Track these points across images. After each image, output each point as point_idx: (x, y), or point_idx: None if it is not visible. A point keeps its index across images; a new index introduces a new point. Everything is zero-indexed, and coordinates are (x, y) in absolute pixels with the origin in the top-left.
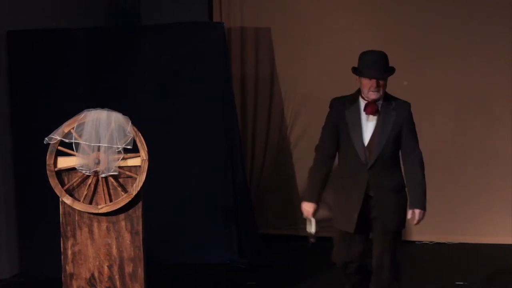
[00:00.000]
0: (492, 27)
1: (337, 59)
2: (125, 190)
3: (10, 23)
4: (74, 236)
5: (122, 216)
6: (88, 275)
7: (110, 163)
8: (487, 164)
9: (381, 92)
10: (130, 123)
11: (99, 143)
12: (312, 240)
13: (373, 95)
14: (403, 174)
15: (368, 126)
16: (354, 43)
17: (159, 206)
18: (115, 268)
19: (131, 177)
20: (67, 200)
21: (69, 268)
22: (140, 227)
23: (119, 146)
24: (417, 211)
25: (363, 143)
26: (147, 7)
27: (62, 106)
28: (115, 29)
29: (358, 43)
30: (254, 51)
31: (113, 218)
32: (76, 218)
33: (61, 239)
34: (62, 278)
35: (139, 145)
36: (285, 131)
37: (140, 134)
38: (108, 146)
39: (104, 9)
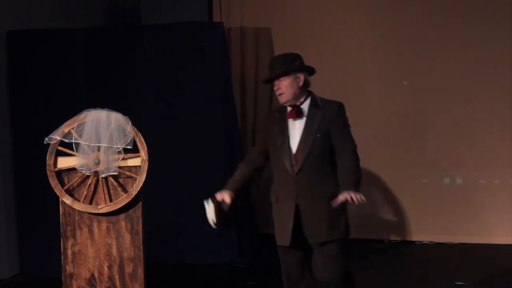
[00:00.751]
0: (493, 27)
1: (337, 59)
2: (125, 190)
3: (10, 23)
4: (74, 236)
5: (122, 216)
6: (88, 275)
7: (110, 163)
8: (488, 164)
9: (288, 95)
10: (130, 123)
11: (99, 143)
12: (214, 226)
13: (280, 99)
14: (337, 179)
15: (294, 132)
16: (354, 43)
17: (159, 206)
18: (115, 268)
19: (131, 177)
20: (67, 200)
21: (69, 268)
22: (140, 227)
23: (119, 146)
24: (344, 193)
25: (289, 151)
26: (147, 7)
27: (62, 106)
28: (115, 29)
29: (358, 43)
30: (254, 51)
31: (113, 218)
32: (76, 218)
33: (61, 239)
34: (62, 278)
35: (139, 145)
36: None
37: (140, 134)
38: (108, 146)
39: (104, 9)
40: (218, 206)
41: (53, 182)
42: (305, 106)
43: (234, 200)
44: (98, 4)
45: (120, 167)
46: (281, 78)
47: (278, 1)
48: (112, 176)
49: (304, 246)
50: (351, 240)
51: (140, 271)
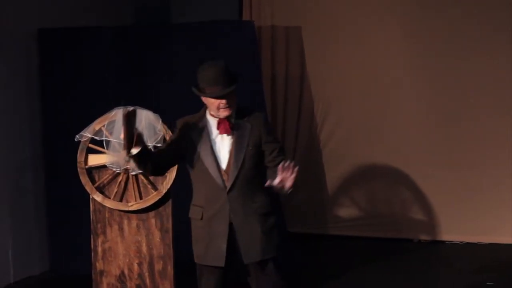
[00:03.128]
0: None
1: (368, 59)
2: (155, 187)
3: (41, 21)
4: (104, 233)
5: (152, 213)
6: (118, 272)
7: None
8: None
9: (233, 108)
10: (160, 121)
11: None
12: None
13: (224, 112)
14: (270, 194)
15: (223, 145)
16: (385, 44)
17: (189, 204)
18: (145, 266)
19: None
20: (98, 197)
21: (99, 265)
22: (169, 225)
23: (149, 144)
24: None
25: (218, 165)
26: (177, 5)
27: (92, 103)
28: (144, 28)
29: (389, 43)
30: (284, 50)
31: (143, 215)
32: (107, 216)
33: (91, 236)
34: (92, 275)
35: None
36: (314, 130)
37: (170, 132)
38: None
39: (134, 7)
40: (131, 121)
41: (84, 179)
42: (233, 117)
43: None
44: (128, 2)
45: None
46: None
47: (309, 0)
48: (142, 173)
49: (229, 266)
50: (380, 239)
51: (170, 269)
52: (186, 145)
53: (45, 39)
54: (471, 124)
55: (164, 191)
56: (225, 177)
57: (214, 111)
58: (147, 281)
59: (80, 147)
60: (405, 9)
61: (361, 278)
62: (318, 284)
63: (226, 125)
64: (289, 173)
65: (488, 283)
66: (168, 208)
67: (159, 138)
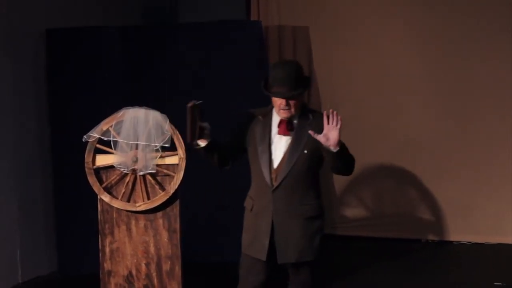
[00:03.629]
0: None
1: (375, 59)
2: (162, 188)
3: (49, 21)
4: (112, 233)
5: (159, 214)
6: (125, 273)
7: (148, 161)
8: None
9: (293, 110)
10: (168, 122)
11: (137, 141)
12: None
13: (284, 114)
14: (320, 199)
15: (280, 144)
16: (392, 44)
17: (197, 204)
18: (153, 266)
19: (168, 175)
20: (105, 197)
21: (107, 265)
22: (177, 225)
23: (157, 144)
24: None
25: (270, 163)
26: (184, 5)
27: (100, 104)
28: (151, 27)
29: (397, 44)
30: (291, 50)
31: (151, 216)
32: (114, 216)
33: (99, 236)
34: (100, 275)
35: (176, 143)
36: None
37: (178, 133)
38: (146, 144)
39: (141, 7)
40: (198, 113)
41: (92, 180)
42: (296, 119)
43: (208, 141)
44: (135, 3)
45: (157, 165)
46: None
47: (317, 0)
48: (150, 174)
49: (271, 261)
50: (388, 239)
51: (178, 269)
52: (248, 138)
53: (52, 39)
54: (479, 124)
55: (172, 191)
56: (273, 176)
57: (276, 110)
58: (155, 281)
59: (88, 147)
60: (412, 9)
61: (369, 278)
62: (326, 284)
63: (285, 127)
64: (334, 122)
65: (495, 283)
66: (175, 208)
67: (166, 139)
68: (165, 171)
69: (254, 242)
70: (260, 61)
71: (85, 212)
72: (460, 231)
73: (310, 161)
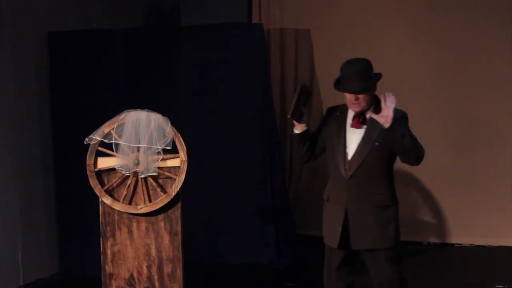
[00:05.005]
0: None
1: (376, 62)
2: (164, 190)
3: (51, 23)
4: (113, 236)
5: (161, 216)
6: (127, 275)
7: (150, 164)
8: None
9: (363, 104)
10: (169, 124)
11: (138, 143)
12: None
13: (354, 108)
14: (393, 188)
15: (354, 137)
16: (394, 46)
17: (198, 207)
18: (154, 269)
19: (170, 177)
20: (107, 200)
21: (108, 268)
22: (179, 228)
23: (158, 147)
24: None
25: (345, 155)
26: (187, 8)
27: (102, 106)
28: (154, 30)
29: (398, 46)
30: (293, 52)
31: (152, 218)
32: (116, 218)
33: (101, 239)
34: (102, 277)
35: (178, 146)
36: None
37: (179, 135)
38: (147, 147)
39: (144, 10)
40: (305, 96)
41: (93, 182)
42: (369, 113)
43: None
44: (138, 5)
45: (159, 168)
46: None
47: (318, 3)
48: (152, 176)
49: (349, 248)
50: None
51: (179, 272)
52: (327, 133)
53: (55, 41)
54: (480, 126)
55: (173, 194)
56: (347, 167)
57: (348, 105)
58: (156, 284)
59: (90, 150)
60: (415, 10)
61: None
62: None
63: (357, 120)
64: (387, 102)
65: (497, 286)
66: (177, 211)
67: (168, 141)
68: (167, 173)
69: (328, 230)
70: (262, 63)
71: (87, 215)
72: (461, 234)
73: (381, 153)
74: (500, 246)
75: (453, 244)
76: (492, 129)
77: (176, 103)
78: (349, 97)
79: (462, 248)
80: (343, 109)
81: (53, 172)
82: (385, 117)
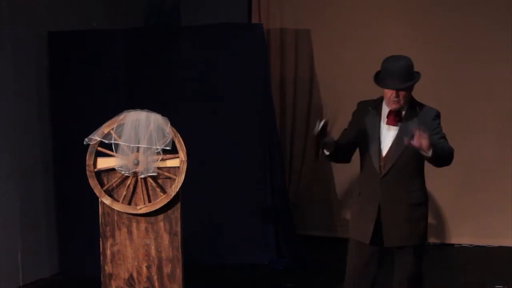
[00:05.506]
0: None
1: (377, 62)
2: (164, 191)
3: (51, 23)
4: (113, 236)
5: (160, 216)
6: (126, 275)
7: (149, 164)
8: None
9: (402, 102)
10: (169, 124)
11: (138, 144)
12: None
13: (393, 105)
14: (424, 186)
15: (389, 134)
16: (393, 46)
17: (198, 207)
18: (154, 269)
19: (170, 178)
20: (106, 200)
21: (108, 268)
22: (178, 228)
23: (158, 147)
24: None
25: (379, 152)
26: (187, 8)
27: (102, 106)
28: (154, 30)
29: (398, 46)
30: (293, 53)
31: (152, 218)
32: (115, 219)
33: (100, 239)
34: (101, 278)
35: (178, 146)
36: None
37: (179, 135)
38: (147, 147)
39: (144, 10)
40: (324, 130)
41: (93, 183)
42: (404, 111)
43: (332, 147)
44: (138, 5)
45: (159, 168)
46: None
47: (318, 3)
48: (151, 176)
49: (378, 248)
50: None
51: (179, 272)
52: (359, 128)
53: (55, 41)
54: (478, 126)
55: (173, 194)
56: (382, 164)
57: (386, 102)
58: (156, 284)
59: (89, 150)
60: (415, 10)
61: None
62: (327, 287)
63: (393, 118)
64: (422, 135)
65: (497, 286)
66: (176, 211)
67: (167, 141)
68: (166, 173)
69: (359, 225)
70: (262, 63)
71: (87, 215)
72: (461, 234)
73: (415, 152)
74: (500, 247)
75: (453, 244)
76: (491, 130)
77: (176, 103)
78: (389, 94)
79: (461, 248)
80: (376, 105)
81: (53, 172)
82: (424, 147)
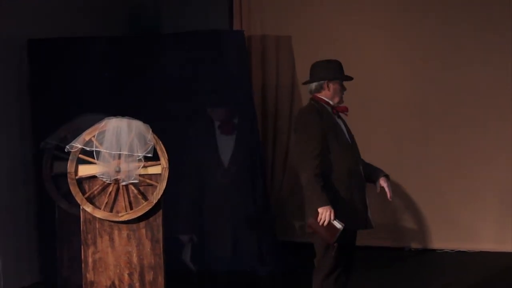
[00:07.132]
0: None
1: (358, 68)
2: (145, 198)
3: (31, 32)
4: (94, 244)
5: (142, 224)
6: (108, 283)
7: (131, 171)
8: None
9: None
10: (150, 131)
11: (119, 151)
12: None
13: (340, 99)
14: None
15: (342, 126)
16: (375, 52)
17: (180, 214)
18: (136, 276)
19: (151, 185)
20: (88, 208)
21: (89, 275)
22: (160, 235)
23: (139, 154)
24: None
25: (351, 145)
26: (168, 15)
27: (84, 114)
28: (136, 38)
29: (380, 52)
30: (275, 59)
31: (134, 226)
32: (97, 226)
33: (82, 246)
34: (83, 285)
35: (159, 153)
36: None
37: (160, 142)
38: (128, 154)
39: (125, 18)
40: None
41: (74, 190)
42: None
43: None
44: (119, 13)
45: (140, 175)
46: None
47: (299, 10)
48: (133, 184)
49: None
50: (371, 247)
51: (161, 279)
52: (324, 126)
53: (35, 49)
54: (462, 135)
55: (155, 201)
56: (356, 155)
57: (338, 97)
58: None
59: (71, 157)
60: (396, 16)
61: (352, 286)
62: None
63: (344, 108)
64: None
65: None
66: (158, 218)
67: (149, 149)
68: (148, 181)
69: (359, 216)
70: (243, 70)
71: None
72: (443, 239)
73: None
74: (481, 252)
75: (435, 250)
76: (474, 136)
77: (157, 110)
78: (341, 89)
79: (443, 254)
80: (320, 108)
81: (33, 180)
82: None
